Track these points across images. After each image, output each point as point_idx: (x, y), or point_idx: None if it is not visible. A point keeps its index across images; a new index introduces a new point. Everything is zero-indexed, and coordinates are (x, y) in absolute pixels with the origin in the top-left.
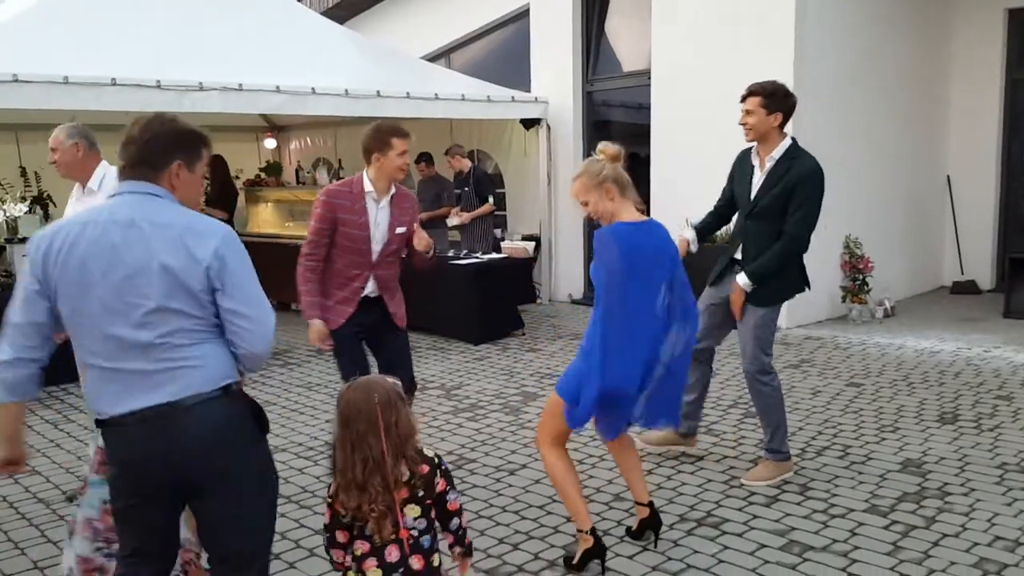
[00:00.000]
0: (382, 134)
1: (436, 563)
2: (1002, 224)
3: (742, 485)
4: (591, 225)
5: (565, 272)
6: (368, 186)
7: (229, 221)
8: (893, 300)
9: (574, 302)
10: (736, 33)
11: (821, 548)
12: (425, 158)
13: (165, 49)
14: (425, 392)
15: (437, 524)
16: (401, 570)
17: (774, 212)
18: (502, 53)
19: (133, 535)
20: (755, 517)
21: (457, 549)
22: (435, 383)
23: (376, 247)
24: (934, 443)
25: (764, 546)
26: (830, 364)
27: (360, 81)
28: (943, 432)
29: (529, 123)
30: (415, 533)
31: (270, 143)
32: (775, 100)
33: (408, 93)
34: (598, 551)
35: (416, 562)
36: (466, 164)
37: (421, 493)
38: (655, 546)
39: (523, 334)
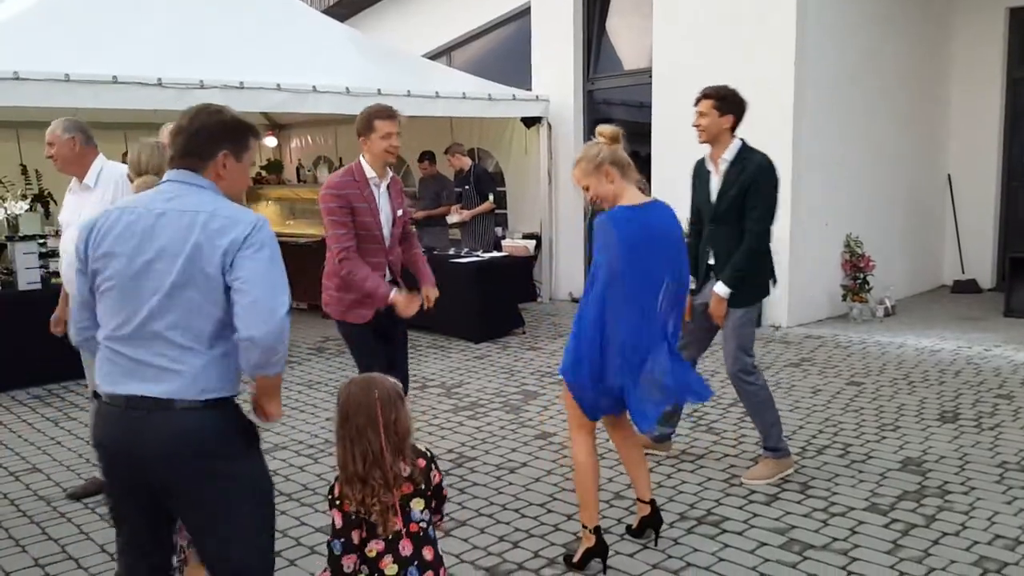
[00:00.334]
0: (366, 117)
1: (440, 552)
2: (1003, 223)
3: (742, 484)
4: (590, 220)
5: (566, 270)
6: (369, 171)
7: None
8: (894, 299)
9: (575, 300)
10: (737, 32)
11: (821, 547)
12: (428, 157)
13: (166, 47)
14: (425, 390)
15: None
16: (416, 562)
17: (735, 214)
18: (503, 51)
19: (122, 527)
20: (755, 516)
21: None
22: (435, 381)
23: (386, 231)
24: (934, 442)
25: (764, 544)
26: (831, 363)
27: (361, 79)
28: (943, 431)
29: (530, 121)
30: (423, 525)
31: (271, 141)
32: (727, 103)
33: (409, 91)
34: (600, 550)
35: (427, 553)
36: (466, 162)
37: (423, 486)
38: (655, 544)
39: (524, 332)
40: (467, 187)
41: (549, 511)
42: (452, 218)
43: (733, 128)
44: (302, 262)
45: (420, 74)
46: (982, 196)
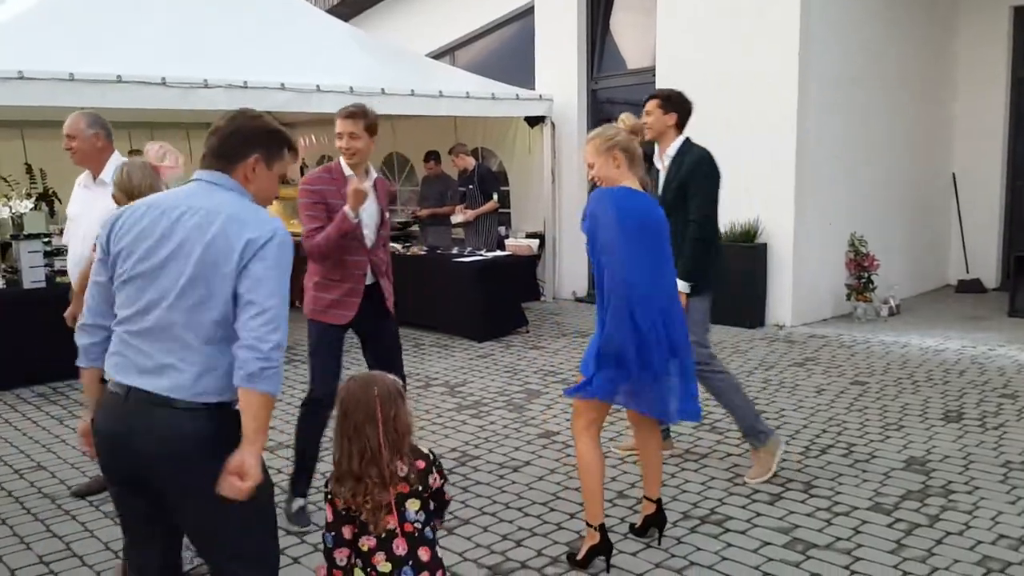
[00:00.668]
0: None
1: (439, 554)
2: (1008, 222)
3: (746, 483)
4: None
5: (569, 270)
6: (347, 169)
7: None
8: (898, 298)
9: (578, 300)
10: (741, 31)
11: (825, 546)
12: (433, 156)
13: (170, 47)
14: (429, 389)
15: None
16: (411, 562)
17: (679, 206)
18: (506, 51)
19: (125, 520)
20: (758, 515)
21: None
22: (439, 380)
23: (368, 232)
24: (938, 441)
25: (767, 544)
26: (835, 362)
27: (365, 79)
28: (947, 430)
29: (533, 121)
30: (418, 526)
31: None
32: (671, 102)
33: (412, 91)
34: (604, 547)
35: (424, 554)
36: (470, 162)
37: (420, 488)
38: (659, 543)
39: (527, 331)
40: (471, 187)
41: (552, 510)
42: (456, 218)
43: (677, 126)
44: (304, 262)
45: (424, 73)
46: (987, 195)
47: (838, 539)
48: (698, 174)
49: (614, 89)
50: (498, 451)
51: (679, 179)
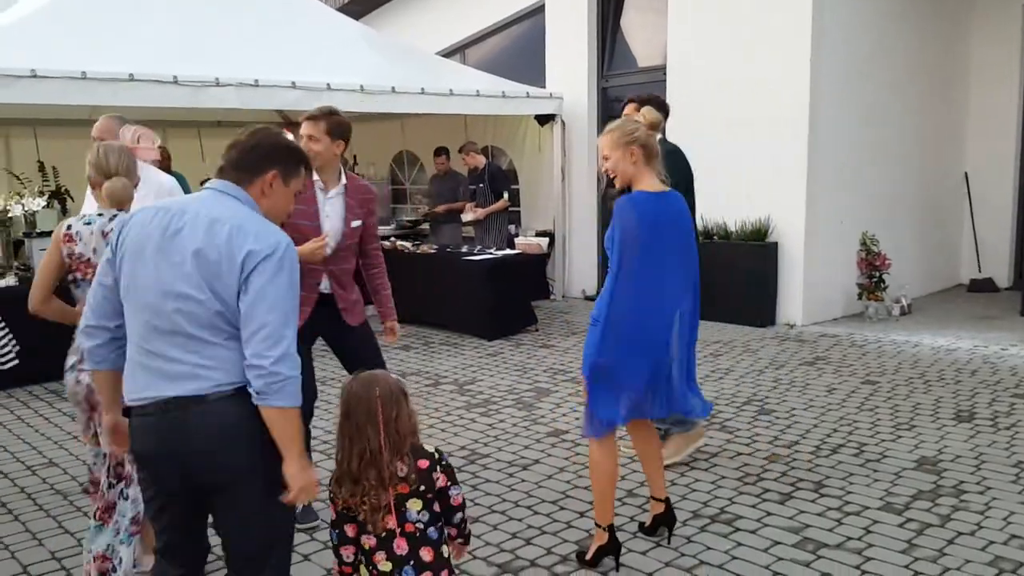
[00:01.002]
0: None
1: (446, 554)
2: (1020, 221)
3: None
4: (602, 197)
5: (579, 268)
6: (314, 174)
7: None
8: (910, 297)
9: (587, 298)
10: (753, 29)
11: (835, 546)
12: (443, 152)
13: (182, 45)
14: (438, 387)
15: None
16: (412, 562)
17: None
18: (517, 49)
19: (163, 532)
20: (769, 514)
21: (458, 540)
22: (448, 378)
23: (329, 241)
24: (950, 441)
25: (778, 543)
26: (846, 361)
27: (375, 77)
28: (959, 430)
29: (544, 119)
30: (420, 526)
31: None
32: (648, 106)
33: (423, 89)
34: (613, 547)
35: (426, 554)
36: (481, 160)
37: (422, 488)
38: (668, 542)
39: (536, 330)
40: (481, 185)
41: (561, 508)
42: (467, 216)
43: (652, 129)
44: None
45: (434, 72)
46: (999, 194)
47: (849, 539)
48: (673, 168)
49: (625, 87)
50: (507, 449)
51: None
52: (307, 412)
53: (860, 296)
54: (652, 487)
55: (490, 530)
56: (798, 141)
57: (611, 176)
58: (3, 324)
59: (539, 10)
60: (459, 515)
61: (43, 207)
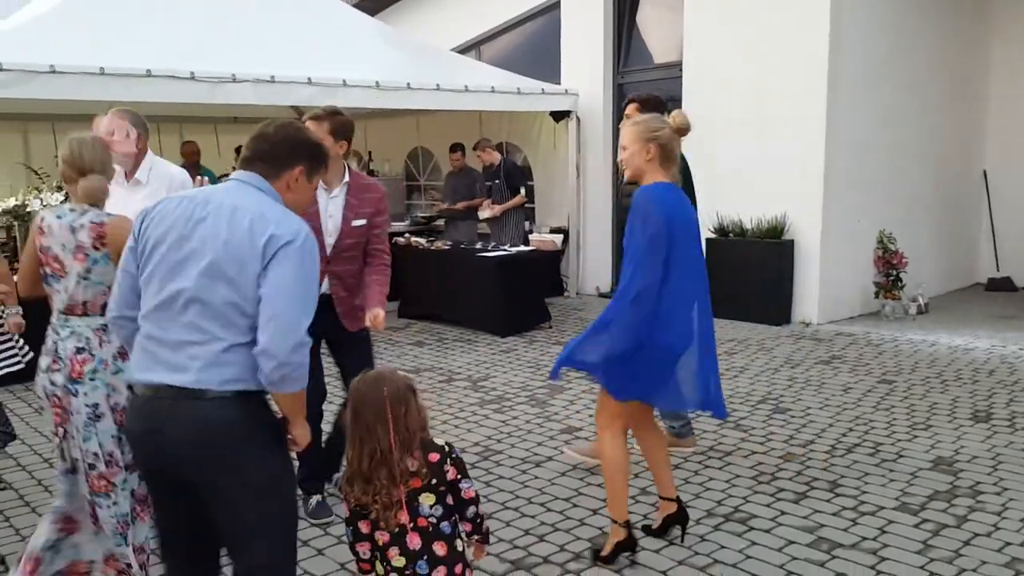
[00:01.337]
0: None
1: (460, 548)
2: None
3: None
4: (617, 191)
5: (593, 265)
6: None
7: None
8: (927, 296)
9: (601, 295)
10: (769, 25)
11: (850, 546)
12: (459, 148)
13: (199, 41)
14: (452, 383)
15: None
16: (425, 557)
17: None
18: (532, 45)
19: (159, 524)
20: (783, 513)
21: (475, 537)
22: (462, 375)
23: (328, 239)
24: (967, 441)
25: (792, 543)
26: (862, 360)
27: (390, 73)
28: (976, 430)
29: (559, 115)
30: (433, 520)
31: None
32: (649, 106)
33: (438, 85)
34: (630, 543)
35: (439, 548)
36: (496, 156)
37: (434, 481)
38: (682, 541)
39: (550, 327)
40: (497, 181)
41: (575, 505)
42: (484, 213)
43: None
44: None
45: (449, 68)
46: (1019, 193)
47: (864, 539)
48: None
49: (640, 84)
50: (521, 446)
51: None
52: (316, 414)
53: (877, 294)
54: (661, 487)
55: (503, 526)
56: (815, 138)
57: (622, 168)
58: (12, 335)
59: (555, 6)
60: (472, 509)
61: (61, 202)
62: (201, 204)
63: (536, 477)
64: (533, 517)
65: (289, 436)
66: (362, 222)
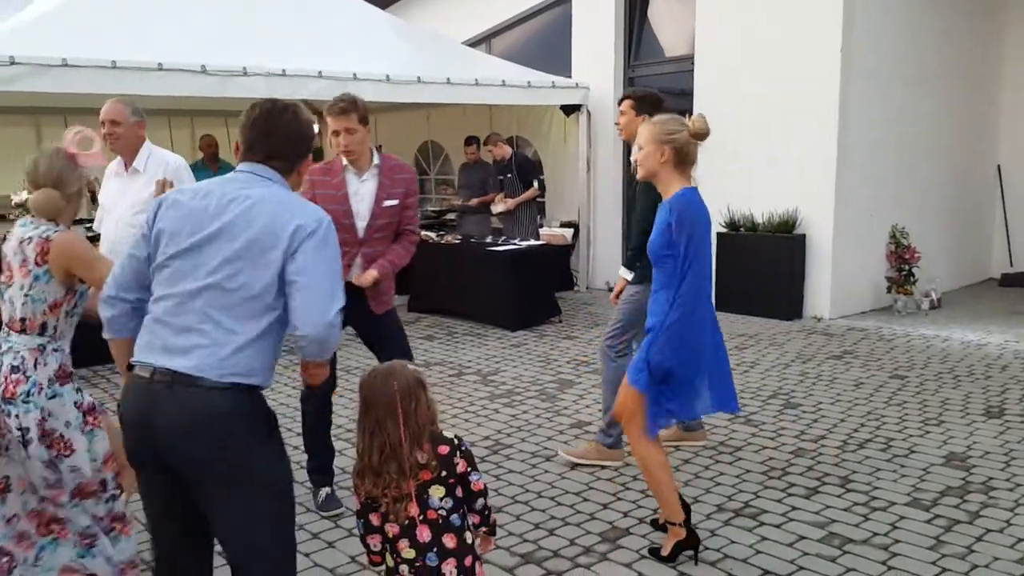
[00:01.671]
0: (325, 111)
1: (469, 540)
2: None
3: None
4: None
5: (603, 259)
6: (345, 160)
7: None
8: (939, 291)
9: (611, 290)
10: (782, 20)
11: (861, 541)
12: (473, 141)
13: (210, 35)
14: (462, 378)
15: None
16: (435, 549)
17: (634, 199)
18: (543, 38)
19: (149, 516)
20: (794, 508)
21: (482, 529)
22: (472, 369)
23: (360, 222)
24: (979, 437)
25: (803, 538)
26: (874, 355)
27: (401, 67)
28: (989, 426)
29: (569, 109)
30: (443, 513)
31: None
32: (644, 104)
33: (448, 79)
34: (691, 542)
35: (449, 540)
36: (507, 150)
37: (444, 473)
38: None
39: (560, 321)
40: (509, 175)
41: (585, 499)
42: (497, 207)
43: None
44: None
45: (460, 61)
46: None
47: (875, 534)
48: None
49: (651, 77)
50: (531, 440)
51: (632, 171)
52: (324, 403)
53: (889, 289)
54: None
55: (513, 520)
56: (828, 133)
57: (634, 165)
58: None
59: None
60: (481, 501)
61: None
62: (218, 195)
63: (546, 471)
64: (543, 511)
65: (307, 375)
66: (394, 202)
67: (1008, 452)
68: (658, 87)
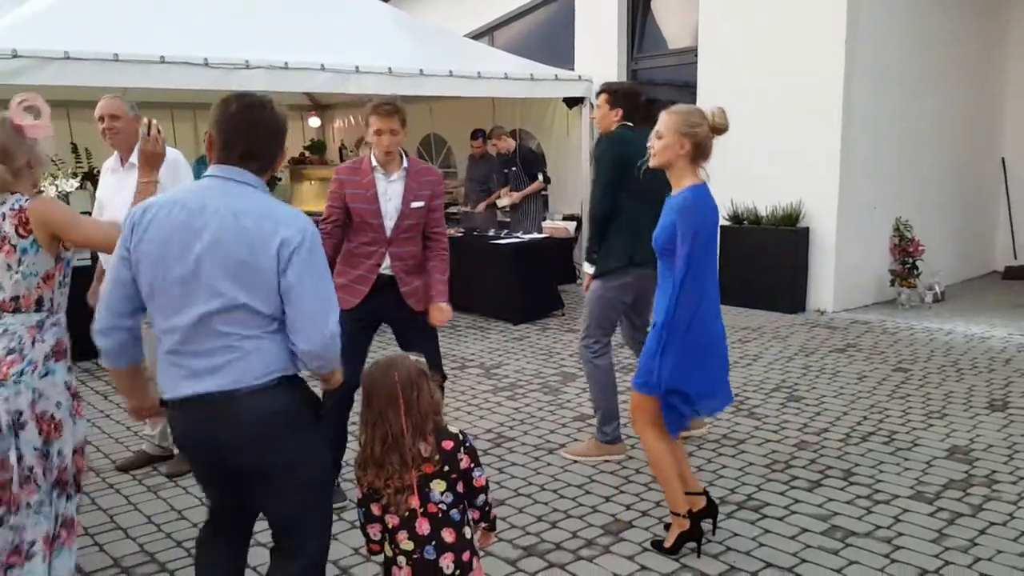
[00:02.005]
0: (366, 111)
1: (468, 535)
2: None
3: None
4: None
5: None
6: (375, 161)
7: None
8: (943, 284)
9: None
10: (786, 12)
11: (864, 534)
12: (480, 134)
13: (212, 28)
14: (464, 371)
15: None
16: (433, 542)
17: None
18: (546, 31)
19: (210, 502)
20: (797, 501)
21: (482, 524)
22: (474, 362)
23: (388, 222)
24: (983, 430)
25: (806, 531)
26: (877, 349)
27: (403, 59)
28: (992, 419)
29: (572, 102)
30: (443, 507)
31: (314, 122)
32: (618, 98)
33: (451, 71)
34: (695, 534)
35: (448, 535)
36: (511, 144)
37: (446, 468)
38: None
39: (563, 314)
40: (514, 168)
41: (587, 492)
42: (503, 201)
43: (624, 119)
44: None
45: (462, 54)
46: None
47: (878, 527)
48: (600, 159)
49: (655, 70)
50: (533, 433)
51: (593, 165)
52: (346, 400)
53: (892, 282)
54: (686, 483)
55: (516, 513)
56: (831, 125)
57: (649, 153)
58: None
59: None
60: (482, 497)
61: (76, 188)
62: (197, 212)
63: (549, 464)
64: (546, 504)
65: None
66: (420, 204)
67: (1011, 445)
68: (662, 79)
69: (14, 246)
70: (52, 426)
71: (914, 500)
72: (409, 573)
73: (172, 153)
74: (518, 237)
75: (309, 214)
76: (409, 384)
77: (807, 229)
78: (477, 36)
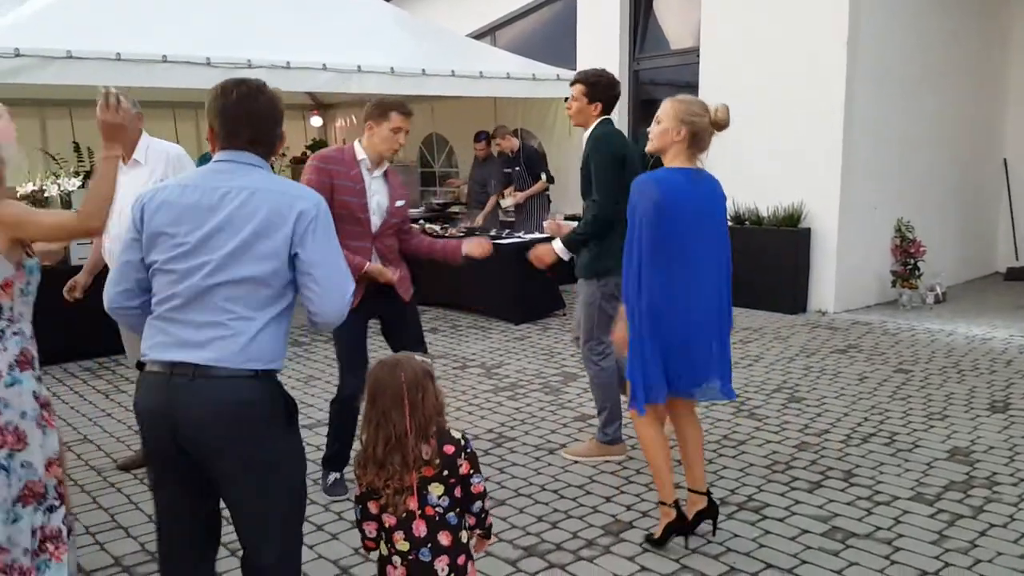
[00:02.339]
0: (384, 107)
1: (464, 539)
2: None
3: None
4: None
5: None
6: (360, 154)
7: None
8: (944, 285)
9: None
10: (788, 12)
11: (865, 535)
12: (484, 136)
13: (215, 28)
14: (465, 370)
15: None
16: (429, 545)
17: (586, 187)
18: (548, 31)
19: (160, 515)
20: (797, 503)
21: (477, 531)
22: (476, 362)
23: (375, 218)
24: (983, 432)
25: (806, 532)
26: (878, 350)
27: (405, 59)
28: (993, 421)
29: None
30: (440, 510)
31: (316, 121)
32: (598, 90)
33: (453, 71)
34: (680, 524)
35: (444, 538)
36: (515, 143)
37: (445, 472)
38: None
39: (564, 314)
40: (517, 168)
41: (588, 492)
42: (506, 201)
43: (603, 112)
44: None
45: (464, 54)
46: None
47: (878, 529)
48: (595, 158)
49: (656, 70)
50: (534, 433)
51: (584, 162)
52: (353, 398)
53: (894, 283)
54: (692, 480)
55: (516, 513)
56: (833, 126)
57: (648, 141)
58: None
59: None
60: (479, 504)
61: (78, 187)
62: (209, 189)
63: (549, 464)
64: (546, 504)
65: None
66: (402, 203)
67: (1012, 447)
68: (663, 79)
69: None
70: (16, 437)
71: (915, 501)
72: (404, 573)
73: (176, 149)
74: (519, 237)
75: None
76: (415, 385)
77: (808, 230)
78: (479, 36)
